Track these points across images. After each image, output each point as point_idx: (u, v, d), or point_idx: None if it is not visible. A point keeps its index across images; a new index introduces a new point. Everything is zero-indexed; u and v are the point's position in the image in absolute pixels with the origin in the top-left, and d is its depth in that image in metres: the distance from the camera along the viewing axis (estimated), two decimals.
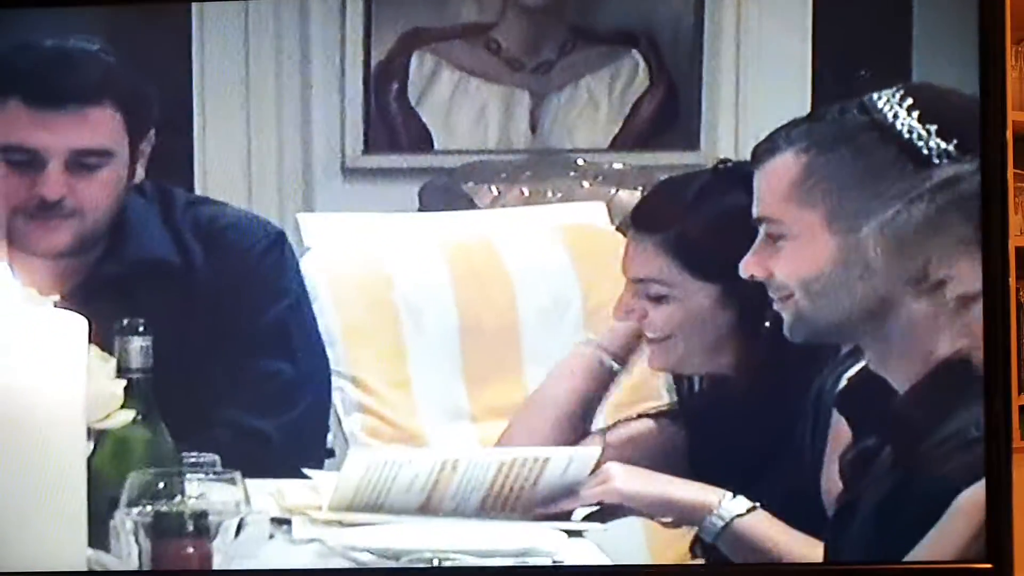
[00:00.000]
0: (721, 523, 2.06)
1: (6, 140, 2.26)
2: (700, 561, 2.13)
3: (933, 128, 1.96)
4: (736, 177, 2.13)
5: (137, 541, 1.78)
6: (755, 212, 1.99)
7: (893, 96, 2.00)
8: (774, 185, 2.00)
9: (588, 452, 2.15)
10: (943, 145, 1.95)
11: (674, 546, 2.26)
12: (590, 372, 2.31)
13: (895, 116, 1.98)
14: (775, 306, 2.03)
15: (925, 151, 1.96)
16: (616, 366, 2.30)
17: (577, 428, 2.30)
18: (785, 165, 2.02)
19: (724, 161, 2.23)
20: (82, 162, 2.27)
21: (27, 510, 1.75)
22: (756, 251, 2.03)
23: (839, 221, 2.00)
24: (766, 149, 2.01)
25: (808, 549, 2.05)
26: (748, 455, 2.15)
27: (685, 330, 2.22)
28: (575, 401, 2.30)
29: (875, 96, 2.02)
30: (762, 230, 2.01)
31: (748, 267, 2.03)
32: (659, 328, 2.21)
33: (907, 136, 1.98)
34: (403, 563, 2.01)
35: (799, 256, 1.99)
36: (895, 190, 1.97)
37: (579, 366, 2.31)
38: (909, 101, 1.99)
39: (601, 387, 2.31)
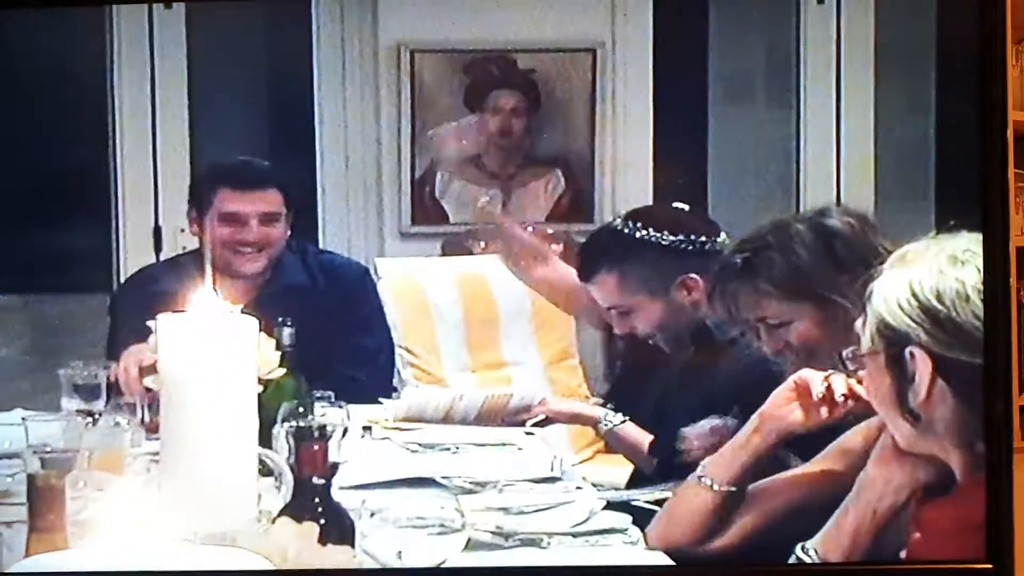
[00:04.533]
0: (606, 428, 2.62)
1: (222, 209, 2.81)
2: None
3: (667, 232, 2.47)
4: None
5: (287, 443, 1.99)
6: None
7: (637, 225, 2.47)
8: None
9: (533, 390, 2.72)
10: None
11: (581, 437, 2.87)
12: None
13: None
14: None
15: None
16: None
17: None
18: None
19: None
20: (265, 220, 2.82)
21: (217, 433, 1.86)
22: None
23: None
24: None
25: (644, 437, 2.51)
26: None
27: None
28: None
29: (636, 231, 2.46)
30: None
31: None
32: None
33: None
34: (436, 451, 2.42)
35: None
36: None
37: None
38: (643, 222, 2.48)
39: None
